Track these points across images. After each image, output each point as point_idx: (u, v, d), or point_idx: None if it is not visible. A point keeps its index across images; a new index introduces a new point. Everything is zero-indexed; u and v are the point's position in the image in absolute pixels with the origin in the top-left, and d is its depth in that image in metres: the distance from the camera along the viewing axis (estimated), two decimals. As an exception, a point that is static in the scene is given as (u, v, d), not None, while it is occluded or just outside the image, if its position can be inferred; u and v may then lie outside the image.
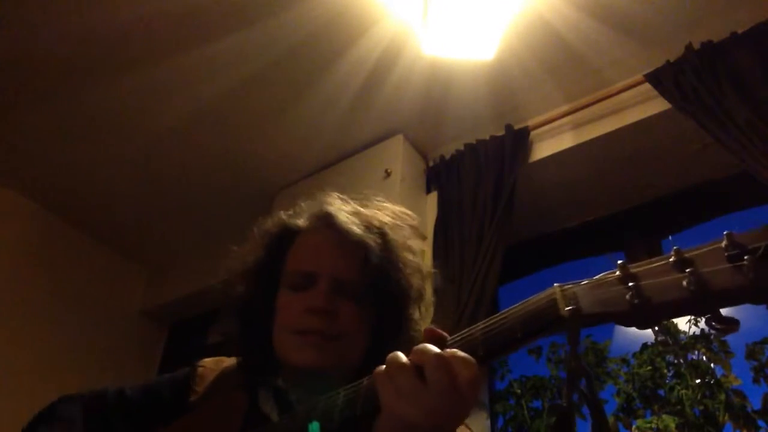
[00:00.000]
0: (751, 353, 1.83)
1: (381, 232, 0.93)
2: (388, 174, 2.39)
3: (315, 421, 0.71)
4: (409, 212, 1.02)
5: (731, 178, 2.09)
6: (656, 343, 1.96)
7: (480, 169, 2.33)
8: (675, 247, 0.55)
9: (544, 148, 2.31)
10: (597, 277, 0.60)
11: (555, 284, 0.62)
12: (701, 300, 0.52)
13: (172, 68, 2.29)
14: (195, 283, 2.91)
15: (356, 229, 0.90)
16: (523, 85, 2.30)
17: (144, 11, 2.08)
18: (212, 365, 1.01)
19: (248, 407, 0.88)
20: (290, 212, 1.01)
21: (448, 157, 2.50)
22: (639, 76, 2.09)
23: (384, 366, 0.63)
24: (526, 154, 2.32)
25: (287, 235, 0.97)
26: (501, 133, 2.36)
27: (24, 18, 2.12)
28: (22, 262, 2.85)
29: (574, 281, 0.61)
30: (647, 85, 2.06)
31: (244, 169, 2.75)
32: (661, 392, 1.88)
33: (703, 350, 1.87)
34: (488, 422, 2.13)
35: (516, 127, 2.35)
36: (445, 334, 0.66)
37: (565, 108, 2.29)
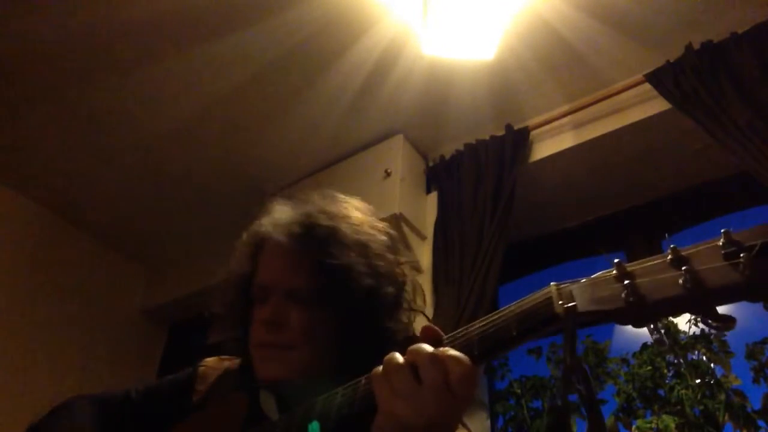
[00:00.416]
0: (751, 353, 1.83)
1: (331, 234, 0.89)
2: (388, 174, 2.39)
3: (314, 420, 0.71)
4: (371, 207, 0.98)
5: (731, 178, 2.09)
6: (653, 342, 1.96)
7: (480, 169, 2.33)
8: (672, 246, 0.55)
9: (544, 148, 2.32)
10: (594, 275, 0.60)
11: (551, 283, 0.62)
12: (697, 298, 0.52)
13: (172, 68, 2.29)
14: (195, 283, 2.90)
15: (297, 234, 0.88)
16: (523, 85, 2.30)
17: (144, 11, 2.08)
18: (214, 364, 1.02)
19: (249, 407, 0.88)
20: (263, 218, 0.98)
21: (448, 157, 2.50)
22: (639, 76, 2.09)
23: (381, 366, 0.63)
24: (526, 154, 2.32)
25: (259, 243, 0.95)
26: (501, 133, 2.36)
27: (24, 18, 2.12)
28: (22, 262, 2.85)
29: (572, 280, 0.61)
30: (647, 85, 2.06)
31: (244, 169, 2.75)
32: (661, 392, 1.87)
33: (703, 350, 1.87)
34: (488, 422, 2.13)
35: (516, 127, 2.35)
36: (441, 332, 0.66)
37: (565, 108, 2.29)
